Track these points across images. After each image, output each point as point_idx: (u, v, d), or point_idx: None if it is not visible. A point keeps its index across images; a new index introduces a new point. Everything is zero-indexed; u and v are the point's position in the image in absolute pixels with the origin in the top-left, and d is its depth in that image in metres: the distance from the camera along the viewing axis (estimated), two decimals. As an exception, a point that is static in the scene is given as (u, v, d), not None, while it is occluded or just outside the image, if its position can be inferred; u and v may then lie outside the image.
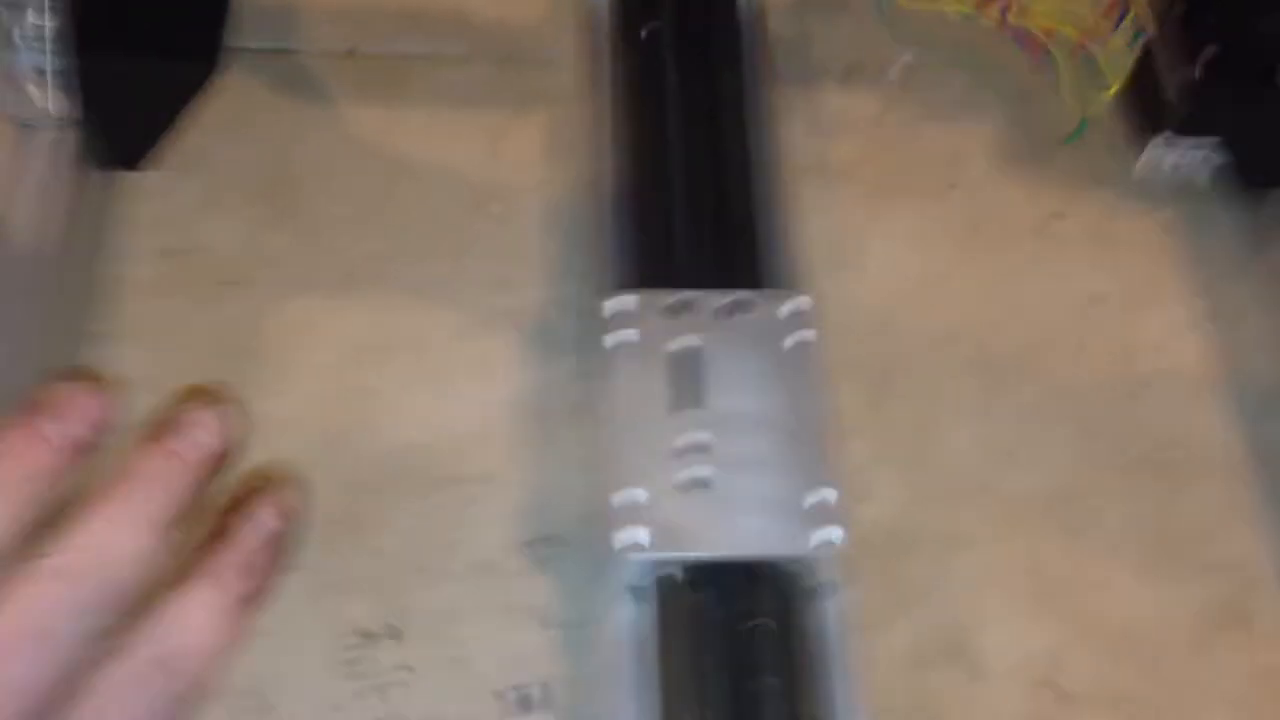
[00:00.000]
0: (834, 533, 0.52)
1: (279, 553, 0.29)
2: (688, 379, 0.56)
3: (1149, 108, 0.69)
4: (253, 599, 0.28)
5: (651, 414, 0.55)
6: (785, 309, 0.58)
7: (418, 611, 0.55)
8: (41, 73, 0.59)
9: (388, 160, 0.70)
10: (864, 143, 0.74)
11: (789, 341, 0.57)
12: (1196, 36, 0.64)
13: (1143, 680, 0.57)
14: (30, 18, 0.57)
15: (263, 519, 0.29)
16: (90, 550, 0.26)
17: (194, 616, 0.27)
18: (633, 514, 0.51)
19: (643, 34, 0.71)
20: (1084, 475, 0.62)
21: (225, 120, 0.68)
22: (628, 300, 0.58)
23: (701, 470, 0.53)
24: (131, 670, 0.26)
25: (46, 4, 0.58)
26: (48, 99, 0.59)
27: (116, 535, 0.26)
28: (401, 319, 0.64)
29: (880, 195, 0.71)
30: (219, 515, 0.28)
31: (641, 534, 0.51)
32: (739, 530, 0.52)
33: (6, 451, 0.26)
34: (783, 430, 0.54)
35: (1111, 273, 0.69)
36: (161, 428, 0.28)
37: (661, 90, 0.69)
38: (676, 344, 0.57)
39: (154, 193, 0.66)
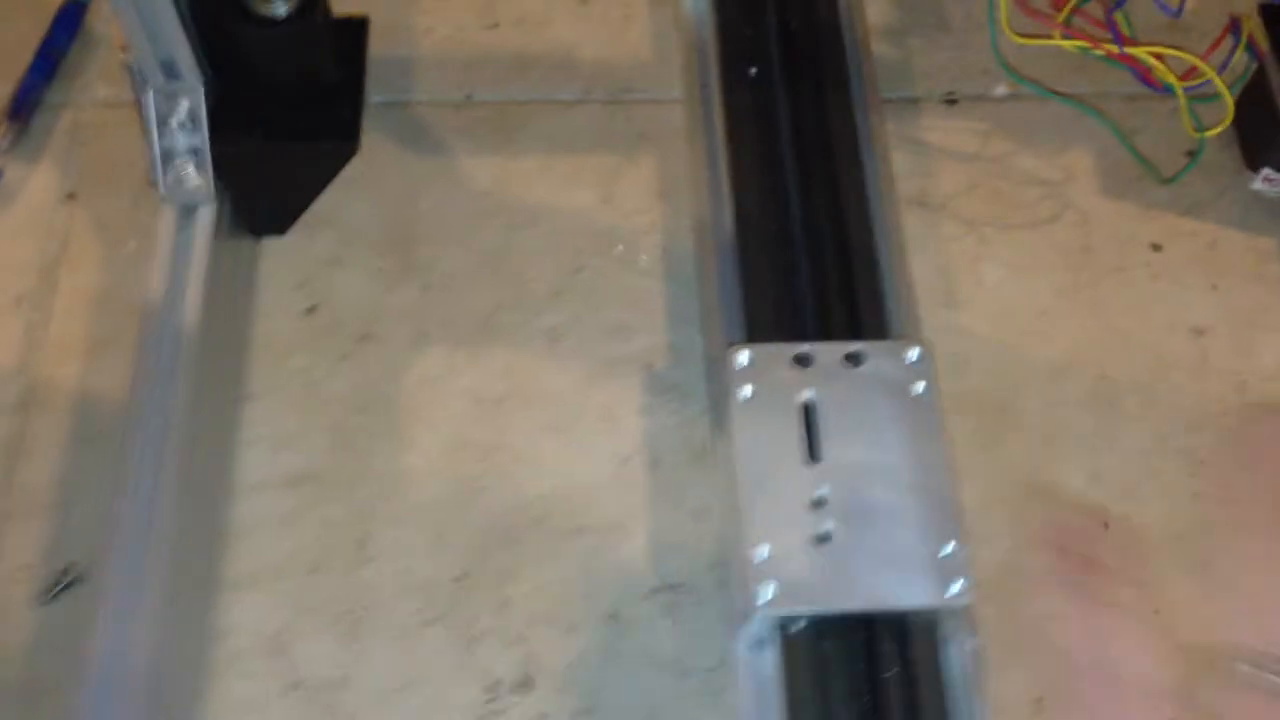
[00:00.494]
0: (960, 584, 0.52)
1: None
2: (812, 433, 0.57)
3: (1258, 137, 0.68)
4: None
5: (779, 468, 0.56)
6: (902, 360, 0.59)
7: (549, 661, 0.57)
8: (194, 153, 0.61)
9: (506, 208, 0.71)
10: (968, 172, 0.73)
11: (908, 392, 0.57)
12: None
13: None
14: (183, 104, 0.60)
15: None
16: None
17: None
18: (760, 569, 0.53)
19: (752, 72, 0.72)
20: (1204, 509, 0.62)
21: (348, 175, 0.70)
22: (753, 352, 0.59)
23: (828, 524, 0.54)
24: None
25: (200, 89, 0.60)
26: (202, 179, 0.61)
27: None
28: (527, 369, 0.66)
29: (986, 225, 0.71)
30: None
31: (771, 589, 0.52)
32: (867, 584, 0.53)
33: None
34: (904, 481, 0.55)
35: (1221, 300, 0.69)
36: None
37: (772, 128, 0.70)
38: (801, 398, 0.58)
39: (290, 251, 0.68)
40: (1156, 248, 0.71)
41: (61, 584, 0.60)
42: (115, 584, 0.55)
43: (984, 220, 0.72)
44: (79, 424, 0.64)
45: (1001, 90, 0.76)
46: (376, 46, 0.70)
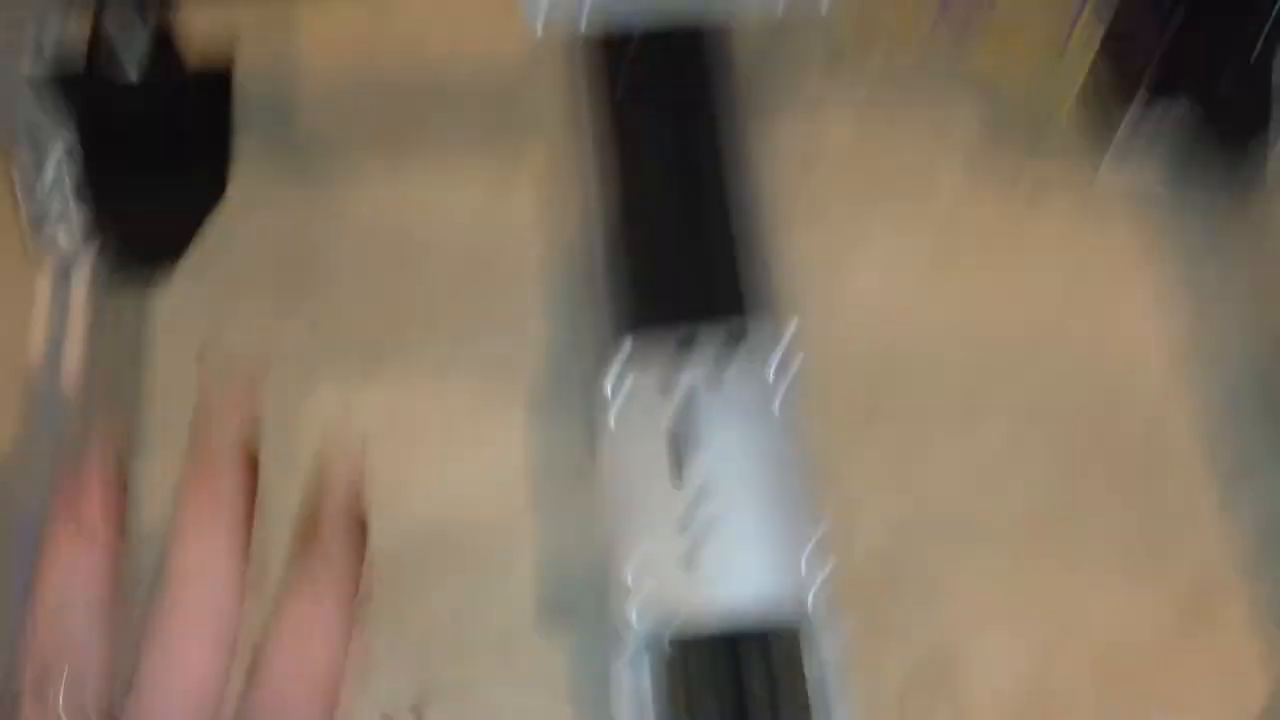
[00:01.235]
0: (815, 592, 0.54)
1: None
2: (680, 454, 0.58)
3: (1112, 81, 0.68)
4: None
5: (645, 490, 0.57)
6: (762, 371, 0.59)
7: (440, 689, 0.59)
8: (64, 219, 0.61)
9: (390, 233, 0.71)
10: (839, 167, 0.74)
11: (767, 406, 0.58)
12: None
13: (1116, 692, 0.59)
14: (48, 164, 0.60)
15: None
16: None
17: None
18: (629, 589, 0.54)
19: (616, 85, 0.71)
20: (1059, 490, 0.63)
21: (229, 216, 0.70)
22: (619, 376, 0.59)
23: (690, 541, 0.55)
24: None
25: (62, 148, 0.60)
26: (72, 241, 0.61)
27: None
28: (413, 394, 0.66)
29: (856, 219, 0.72)
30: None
31: (635, 609, 0.53)
32: (731, 599, 0.54)
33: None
34: (764, 495, 0.56)
35: (1082, 281, 0.69)
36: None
37: (638, 146, 0.70)
38: (665, 422, 0.58)
39: (171, 299, 0.68)
40: (1021, 232, 0.71)
41: (-30, 645, 0.60)
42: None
43: (854, 215, 0.72)
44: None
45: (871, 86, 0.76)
46: (252, 77, 0.69)
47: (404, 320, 0.68)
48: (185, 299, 0.68)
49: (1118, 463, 0.64)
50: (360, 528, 0.36)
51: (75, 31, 0.58)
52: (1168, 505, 0.63)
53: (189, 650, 0.32)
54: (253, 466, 0.34)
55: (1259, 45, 0.63)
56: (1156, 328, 0.68)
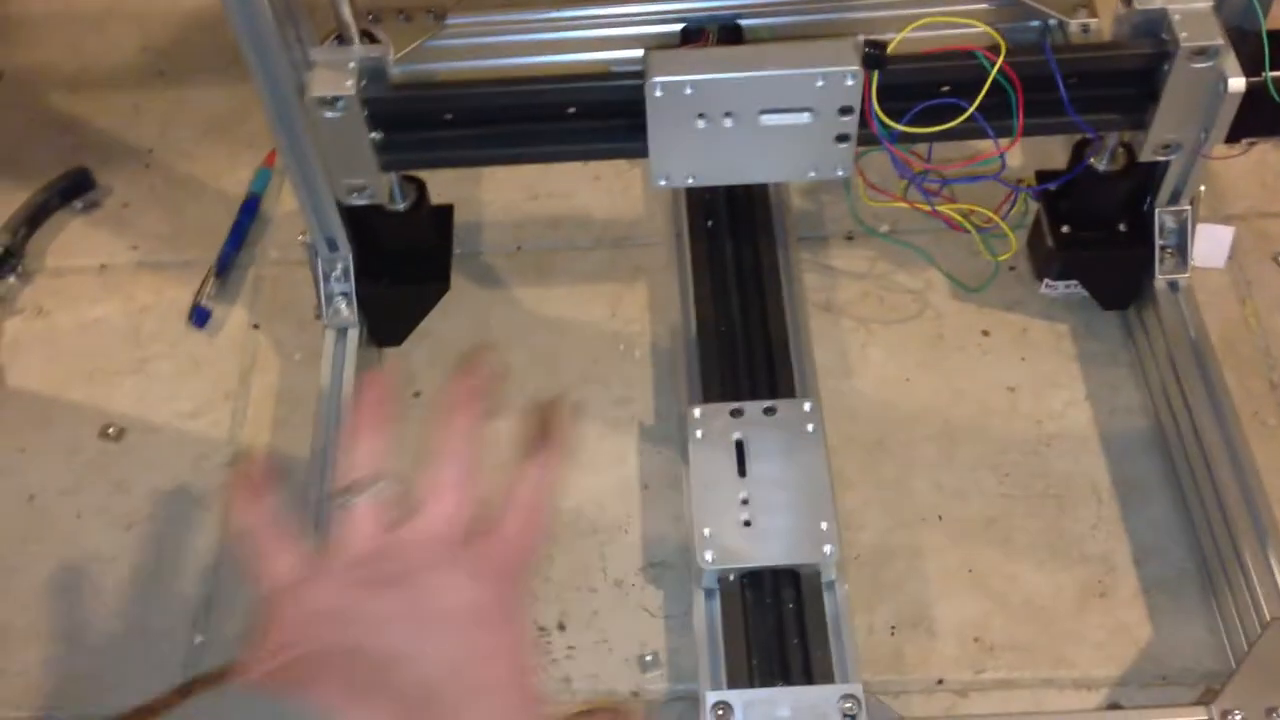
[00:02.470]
0: (829, 549, 0.78)
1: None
2: (739, 458, 0.82)
3: (1040, 259, 0.95)
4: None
5: (717, 480, 0.81)
6: (802, 410, 0.84)
7: (577, 613, 0.82)
8: (345, 296, 0.89)
9: (547, 323, 0.98)
10: (860, 286, 1.00)
11: (803, 431, 0.83)
12: (1061, 215, 0.90)
13: (1039, 635, 0.81)
14: (339, 265, 0.88)
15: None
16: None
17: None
18: (706, 543, 0.78)
19: (709, 224, 0.99)
20: (1005, 504, 0.87)
21: (442, 306, 0.97)
22: (704, 409, 0.85)
23: (748, 514, 0.80)
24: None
25: (350, 256, 0.88)
26: (350, 312, 0.89)
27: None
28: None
29: (872, 321, 0.97)
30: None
31: (710, 555, 0.78)
32: (773, 549, 0.78)
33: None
34: (799, 487, 0.81)
35: (1028, 366, 0.94)
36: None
37: (721, 262, 0.97)
38: (734, 436, 0.84)
39: (403, 356, 0.96)
40: (986, 333, 0.96)
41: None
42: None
43: (870, 318, 0.98)
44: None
45: (884, 229, 1.02)
46: (457, 216, 0.98)
47: (554, 378, 0.94)
48: (410, 357, 0.96)
49: (1047, 489, 0.87)
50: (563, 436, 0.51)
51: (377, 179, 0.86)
52: (1079, 518, 0.86)
53: (448, 495, 0.47)
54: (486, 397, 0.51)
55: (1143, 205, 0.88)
56: (1077, 406, 0.91)
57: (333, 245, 0.88)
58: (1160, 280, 0.89)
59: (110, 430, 0.93)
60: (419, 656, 0.43)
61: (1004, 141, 0.78)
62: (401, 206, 0.87)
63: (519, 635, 0.46)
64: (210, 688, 0.44)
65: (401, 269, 0.90)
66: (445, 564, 0.46)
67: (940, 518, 0.86)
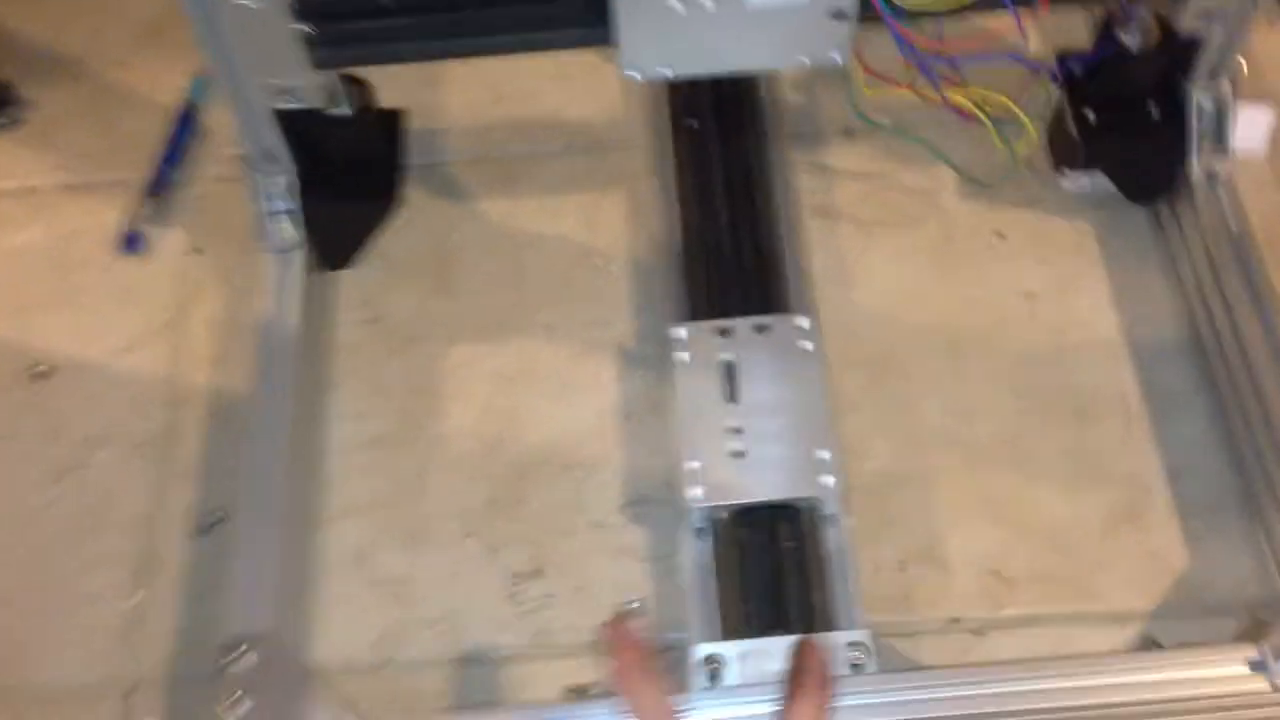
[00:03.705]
0: (830, 480, 0.70)
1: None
2: (730, 382, 0.75)
3: (1061, 150, 0.86)
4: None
5: (707, 407, 0.74)
6: (796, 327, 0.76)
7: (554, 556, 0.75)
8: (288, 215, 0.80)
9: (514, 237, 0.90)
10: (861, 187, 0.91)
11: (798, 350, 0.75)
12: (1085, 100, 0.81)
13: (1064, 566, 0.74)
14: (279, 181, 0.79)
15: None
16: None
17: None
18: (694, 477, 0.71)
19: (691, 124, 0.90)
20: (1023, 423, 0.79)
21: (398, 221, 0.89)
22: (687, 329, 0.77)
23: (740, 444, 0.72)
24: None
25: (291, 171, 0.79)
26: (294, 233, 0.81)
27: None
28: (531, 353, 0.84)
29: (874, 225, 0.89)
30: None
31: (699, 491, 0.70)
32: (768, 483, 0.71)
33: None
34: (796, 412, 0.73)
35: (1047, 270, 0.86)
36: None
37: (706, 165, 0.88)
38: (722, 358, 0.76)
39: (353, 280, 0.88)
40: (1000, 235, 0.88)
41: (211, 522, 0.79)
42: (248, 518, 0.72)
43: (872, 222, 0.89)
44: (214, 413, 0.83)
45: (887, 122, 0.93)
46: (414, 122, 0.89)
47: (522, 298, 0.86)
48: (364, 280, 0.87)
49: (1068, 405, 0.80)
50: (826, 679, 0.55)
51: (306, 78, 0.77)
52: (1105, 436, 0.78)
53: None
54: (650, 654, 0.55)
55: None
56: (1102, 312, 0.83)
57: (270, 159, 0.79)
58: (1196, 169, 0.81)
59: (38, 369, 0.85)
60: None
61: (1025, 13, 0.69)
62: (344, 112, 0.78)
63: None
64: None
65: (348, 183, 0.82)
66: None
67: (952, 440, 0.79)
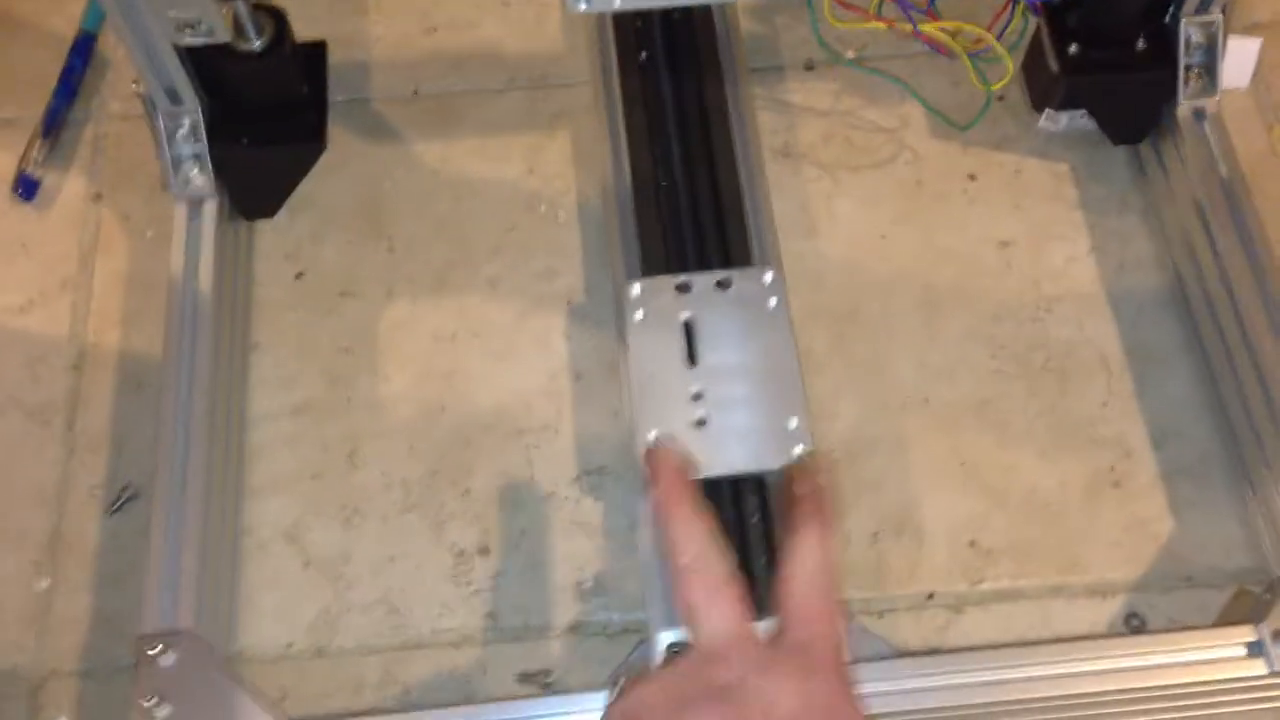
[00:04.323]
0: (800, 449, 0.65)
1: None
2: (691, 344, 0.69)
3: (1039, 86, 0.80)
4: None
5: (665, 373, 0.68)
6: (761, 282, 0.71)
7: (503, 532, 0.70)
8: (197, 159, 0.73)
9: (452, 183, 0.83)
10: (823, 125, 0.85)
11: (765, 307, 0.70)
12: (1067, 33, 0.76)
13: (1044, 535, 0.70)
14: (185, 121, 0.71)
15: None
16: None
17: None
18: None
19: (642, 56, 0.83)
20: (1000, 382, 0.75)
21: (323, 165, 0.82)
22: (645, 284, 0.71)
23: (703, 412, 0.67)
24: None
25: (198, 110, 0.72)
26: (205, 179, 0.73)
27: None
28: (475, 309, 0.78)
29: (838, 168, 0.83)
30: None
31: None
32: (732, 454, 0.66)
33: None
34: (762, 375, 0.68)
35: (1023, 217, 0.81)
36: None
37: (658, 102, 0.82)
38: (681, 316, 0.70)
39: (279, 230, 0.81)
40: (972, 178, 0.83)
41: (123, 499, 0.72)
42: (164, 496, 0.66)
43: (836, 164, 0.84)
44: (124, 378, 0.76)
45: (851, 55, 0.87)
46: (337, 55, 0.81)
47: (464, 248, 0.80)
48: (288, 230, 0.80)
49: (1045, 365, 0.76)
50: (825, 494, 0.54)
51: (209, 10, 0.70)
52: (1086, 397, 0.74)
53: (711, 606, 0.49)
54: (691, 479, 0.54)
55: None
56: (1081, 263, 0.79)
57: (175, 97, 0.72)
58: (1184, 106, 0.76)
59: (-77, 331, 0.77)
60: None
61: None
62: (256, 45, 0.70)
63: None
64: None
65: (265, 125, 0.75)
66: (770, 669, 0.47)
67: (925, 401, 0.74)
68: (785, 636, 0.49)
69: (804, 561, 0.50)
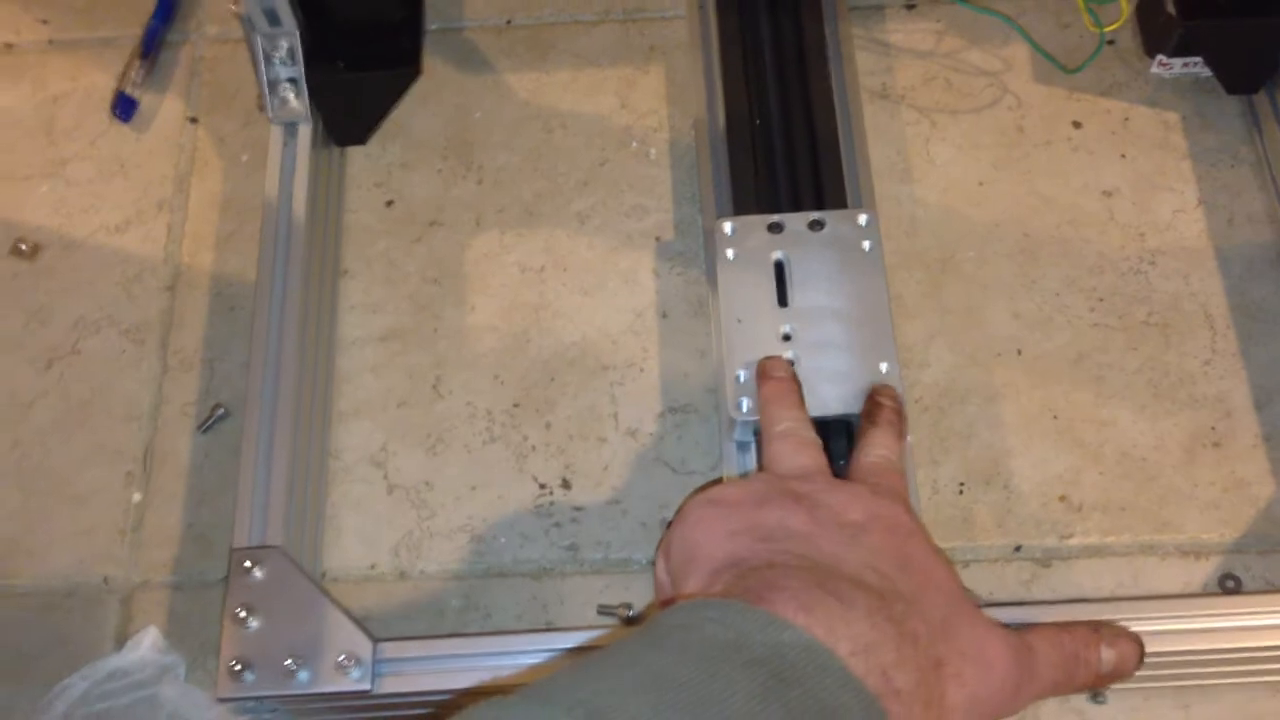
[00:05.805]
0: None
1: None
2: (782, 284, 0.69)
3: (1153, 31, 0.78)
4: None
5: (755, 313, 0.68)
6: (855, 224, 0.71)
7: (584, 467, 0.71)
8: (293, 83, 0.74)
9: (543, 115, 0.83)
10: (924, 67, 0.84)
11: (859, 250, 0.70)
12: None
13: (1138, 493, 0.69)
14: (283, 44, 0.72)
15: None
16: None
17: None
18: (739, 387, 0.66)
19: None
20: (1098, 336, 0.74)
21: (414, 93, 0.82)
22: (737, 222, 0.71)
23: (793, 353, 0.67)
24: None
25: (296, 33, 0.72)
26: (300, 103, 0.74)
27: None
28: (563, 243, 0.78)
29: (937, 112, 0.82)
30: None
31: (745, 402, 0.65)
32: (822, 396, 0.66)
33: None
34: (853, 319, 0.67)
35: (1129, 166, 0.79)
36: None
37: (755, 40, 0.81)
38: (773, 256, 0.70)
39: (370, 158, 0.81)
40: (1077, 125, 0.81)
41: (214, 418, 0.74)
42: (254, 417, 0.68)
43: (936, 108, 0.83)
44: (217, 300, 0.78)
45: (955, -6, 0.86)
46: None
47: (553, 181, 0.80)
48: (379, 158, 0.81)
49: (1149, 317, 0.74)
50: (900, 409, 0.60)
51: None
52: (1188, 354, 0.73)
53: (792, 447, 0.56)
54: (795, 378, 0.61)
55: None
56: (1188, 215, 0.78)
57: (274, 19, 0.72)
58: (1309, 55, 0.74)
59: (23, 246, 0.80)
60: (860, 561, 0.47)
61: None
62: (353, -32, 0.71)
63: (934, 548, 0.51)
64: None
65: (360, 49, 0.75)
66: (842, 488, 0.53)
67: (1019, 352, 0.73)
68: (856, 479, 0.55)
69: (877, 447, 0.57)
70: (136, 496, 0.72)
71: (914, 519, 0.51)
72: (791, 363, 0.63)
